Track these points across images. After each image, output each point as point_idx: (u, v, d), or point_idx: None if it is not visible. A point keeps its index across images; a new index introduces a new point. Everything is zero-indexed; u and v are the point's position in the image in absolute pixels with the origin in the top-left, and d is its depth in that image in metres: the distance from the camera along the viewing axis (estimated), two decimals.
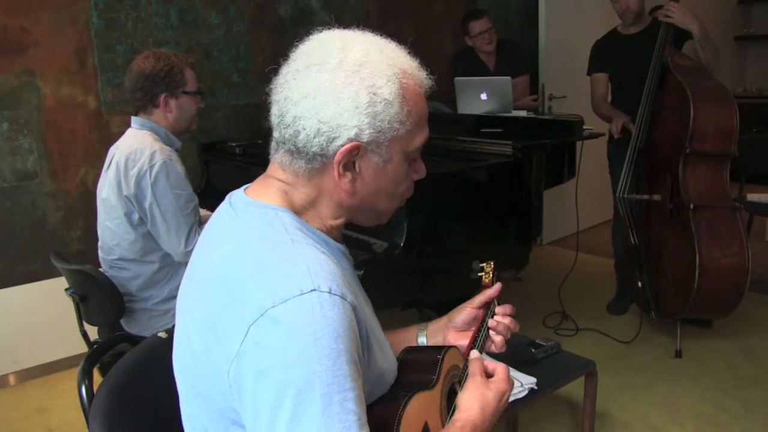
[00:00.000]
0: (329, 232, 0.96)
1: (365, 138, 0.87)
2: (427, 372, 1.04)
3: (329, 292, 0.81)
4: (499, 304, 1.24)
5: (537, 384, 1.76)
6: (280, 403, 0.78)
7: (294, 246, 0.86)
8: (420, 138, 0.94)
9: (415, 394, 0.97)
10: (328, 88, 0.86)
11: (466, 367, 1.13)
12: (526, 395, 1.74)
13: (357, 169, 0.90)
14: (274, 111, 0.92)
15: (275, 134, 0.93)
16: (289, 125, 0.89)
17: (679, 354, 2.89)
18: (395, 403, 0.96)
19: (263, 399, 0.79)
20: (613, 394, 2.60)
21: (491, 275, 1.27)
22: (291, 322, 0.79)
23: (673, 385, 2.67)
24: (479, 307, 1.22)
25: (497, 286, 1.23)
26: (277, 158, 0.94)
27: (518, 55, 3.88)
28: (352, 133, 0.86)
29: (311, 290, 0.80)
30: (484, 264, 1.29)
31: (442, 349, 1.09)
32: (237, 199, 0.96)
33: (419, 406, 0.98)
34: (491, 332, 1.20)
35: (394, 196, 0.97)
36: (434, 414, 1.03)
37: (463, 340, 1.19)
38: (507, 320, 1.20)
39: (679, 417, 2.45)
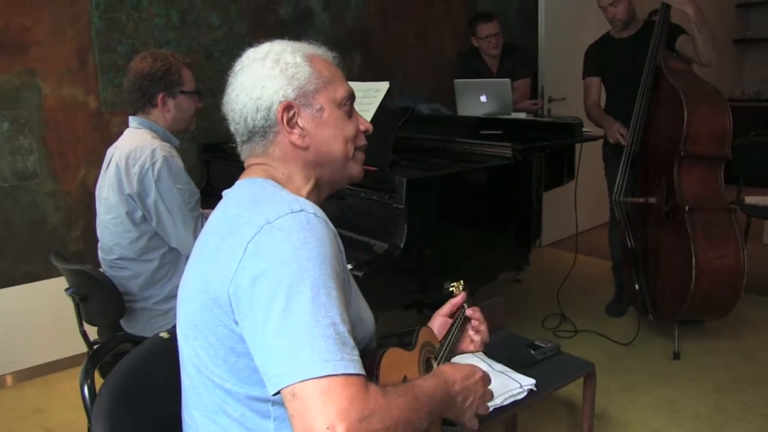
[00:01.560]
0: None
1: (292, 95, 1.05)
2: (404, 338, 1.17)
3: (315, 215, 0.95)
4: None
5: (536, 385, 1.77)
6: (273, 299, 0.87)
7: (283, 191, 1.03)
8: (341, 90, 1.11)
9: (393, 347, 1.08)
10: (251, 76, 1.07)
11: (441, 346, 1.25)
12: (525, 396, 1.74)
13: (301, 125, 1.07)
14: (230, 124, 1.10)
15: (237, 140, 1.11)
16: (238, 121, 1.08)
17: (677, 356, 2.90)
18: (374, 353, 1.03)
19: (259, 301, 0.88)
20: (612, 395, 2.61)
21: (460, 289, 1.41)
22: (283, 231, 0.91)
23: (672, 386, 2.68)
24: (448, 315, 1.38)
25: (462, 294, 1.39)
26: (243, 155, 1.12)
27: (522, 60, 3.88)
28: (280, 96, 1.05)
29: (300, 210, 0.94)
30: (455, 283, 1.43)
31: (416, 327, 1.21)
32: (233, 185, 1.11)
33: (398, 360, 1.07)
34: (471, 332, 1.36)
35: (345, 139, 1.11)
36: (413, 372, 1.10)
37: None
38: (477, 314, 1.36)
39: (677, 418, 2.45)
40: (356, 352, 0.88)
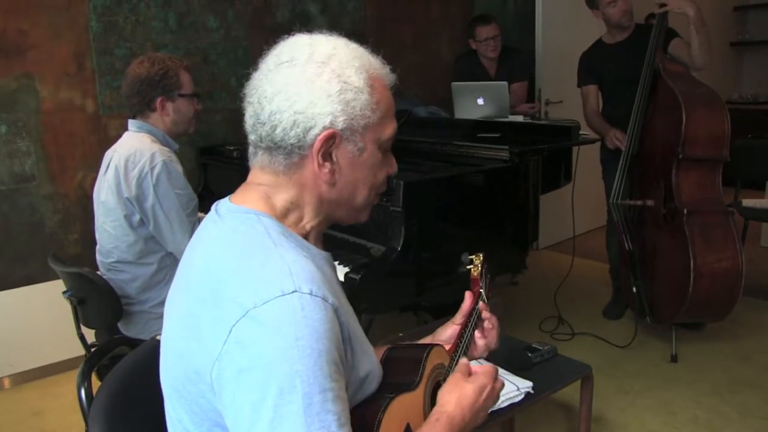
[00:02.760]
0: (308, 237, 0.97)
1: (340, 125, 0.90)
2: (409, 372, 1.05)
3: (310, 294, 0.82)
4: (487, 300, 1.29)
5: (533, 388, 1.77)
6: (261, 403, 0.78)
7: (276, 249, 0.88)
8: (390, 128, 0.97)
9: (395, 397, 0.98)
10: (300, 80, 0.89)
11: (451, 365, 1.15)
12: (522, 399, 1.74)
13: (334, 159, 0.92)
14: (249, 113, 0.94)
15: (252, 138, 0.95)
16: (265, 123, 0.90)
17: (674, 358, 2.90)
18: (376, 405, 0.96)
19: (244, 398, 0.80)
20: (609, 398, 2.61)
21: (480, 268, 1.30)
22: (272, 321, 0.80)
23: (669, 389, 2.68)
24: (461, 323, 1.25)
25: (469, 296, 1.26)
26: (257, 161, 0.96)
27: (519, 63, 3.89)
28: (327, 121, 0.89)
29: (292, 291, 0.81)
30: (473, 256, 1.32)
31: (426, 348, 1.10)
32: (222, 206, 0.97)
33: (400, 408, 0.99)
34: (477, 335, 1.24)
35: (372, 186, 0.98)
36: (417, 415, 1.04)
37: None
38: (493, 319, 1.24)
39: (675, 421, 2.46)
40: None
